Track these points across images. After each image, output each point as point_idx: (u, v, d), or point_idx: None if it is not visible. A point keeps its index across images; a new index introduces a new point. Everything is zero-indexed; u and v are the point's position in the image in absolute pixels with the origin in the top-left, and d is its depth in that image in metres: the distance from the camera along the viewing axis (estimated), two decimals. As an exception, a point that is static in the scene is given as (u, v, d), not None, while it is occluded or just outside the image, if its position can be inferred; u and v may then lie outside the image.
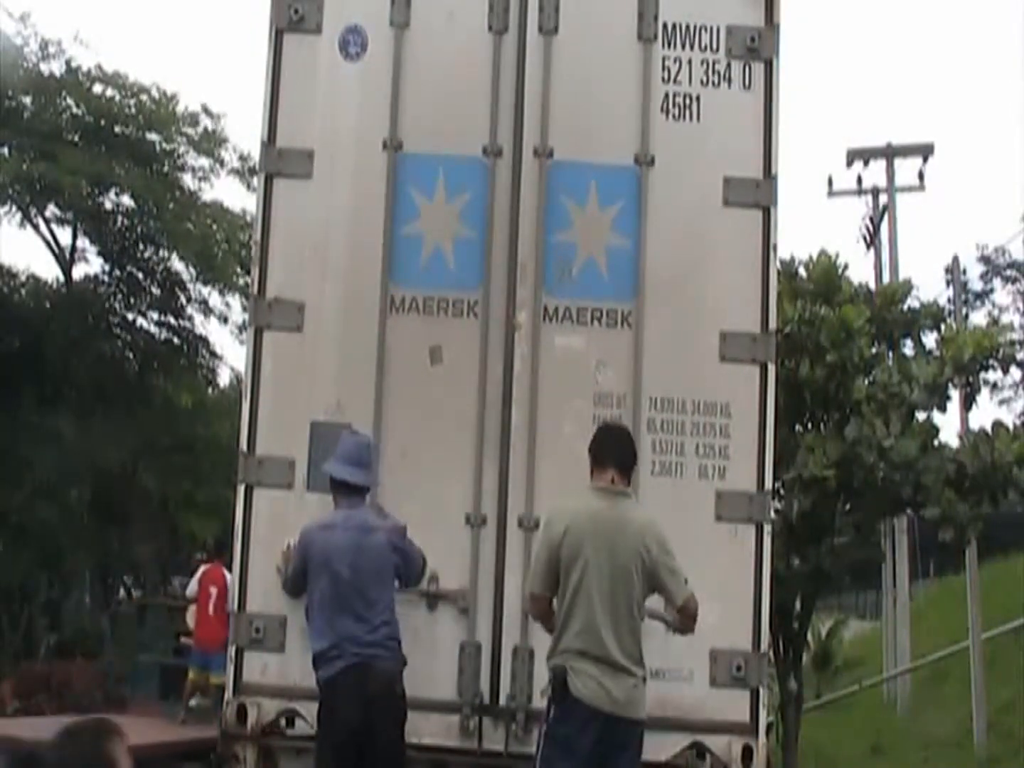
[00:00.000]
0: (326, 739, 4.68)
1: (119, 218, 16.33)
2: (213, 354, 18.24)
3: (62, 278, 16.94)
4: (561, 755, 4.32)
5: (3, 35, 14.64)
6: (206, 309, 17.25)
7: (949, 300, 14.75)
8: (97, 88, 15.05)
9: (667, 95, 5.28)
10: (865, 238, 19.69)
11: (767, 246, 5.20)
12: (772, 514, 5.30)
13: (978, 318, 27.13)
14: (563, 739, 4.33)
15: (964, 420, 11.59)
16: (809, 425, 8.08)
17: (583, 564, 4.35)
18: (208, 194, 16.33)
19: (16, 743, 6.41)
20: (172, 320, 17.53)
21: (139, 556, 19.37)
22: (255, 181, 12.44)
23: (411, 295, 5.22)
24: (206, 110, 15.70)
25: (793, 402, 7.57)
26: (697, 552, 4.87)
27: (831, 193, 19.86)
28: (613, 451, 4.57)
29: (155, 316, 17.63)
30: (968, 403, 9.29)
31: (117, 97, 15.07)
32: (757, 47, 5.29)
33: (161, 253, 16.67)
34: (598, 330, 5.18)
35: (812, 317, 7.64)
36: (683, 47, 5.30)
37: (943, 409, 7.96)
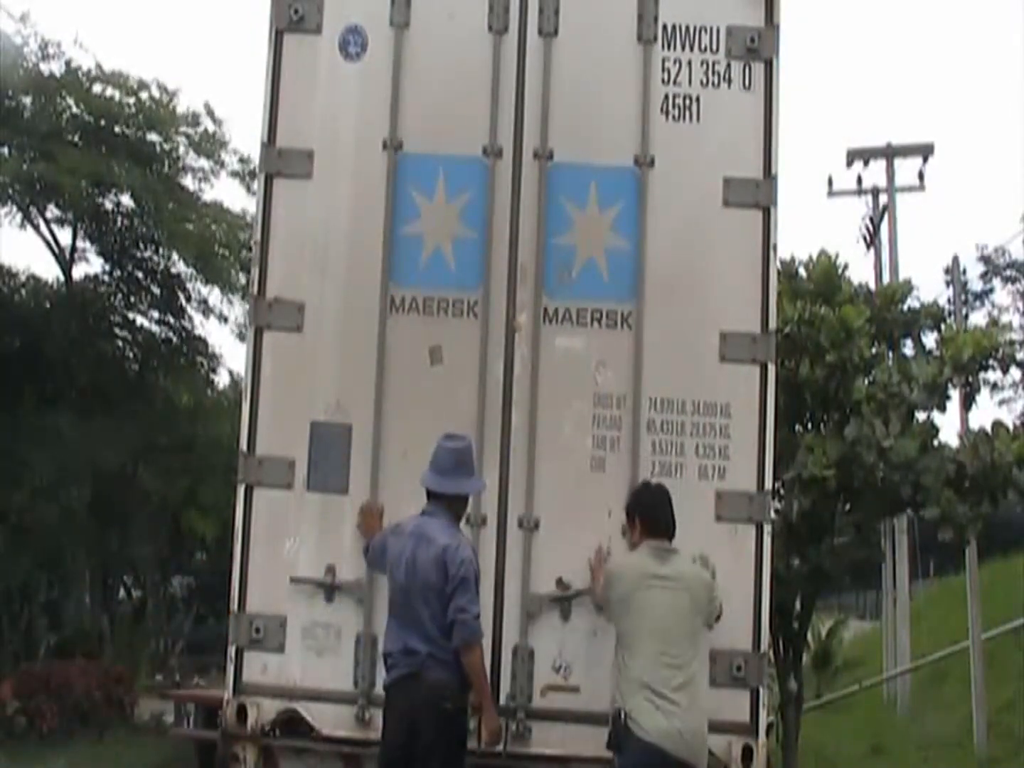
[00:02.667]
0: (381, 747, 4.71)
1: (119, 218, 16.28)
2: (212, 355, 18.23)
3: (62, 278, 16.92)
4: None
5: (3, 35, 14.62)
6: (206, 309, 17.23)
7: (949, 300, 14.74)
8: (97, 88, 15.01)
9: (667, 96, 5.28)
10: (865, 238, 19.71)
11: (767, 246, 5.20)
12: (772, 514, 5.30)
13: (978, 318, 27.19)
14: None
15: (964, 420, 11.59)
16: (809, 425, 8.07)
17: (627, 618, 4.65)
18: (208, 195, 16.33)
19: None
20: (172, 320, 17.52)
21: (139, 556, 19.36)
22: (255, 184, 12.44)
23: (411, 295, 5.22)
24: (208, 110, 15.69)
25: (793, 402, 7.57)
26: (697, 552, 4.90)
27: (831, 193, 19.89)
28: (662, 518, 4.82)
29: (155, 316, 17.61)
30: (968, 403, 9.27)
31: (117, 97, 15.04)
32: (757, 47, 5.29)
33: (161, 253, 16.63)
34: (598, 331, 5.18)
35: (812, 317, 7.63)
36: (683, 48, 5.31)
37: (943, 409, 7.96)
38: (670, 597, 4.67)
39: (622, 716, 4.50)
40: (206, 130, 15.61)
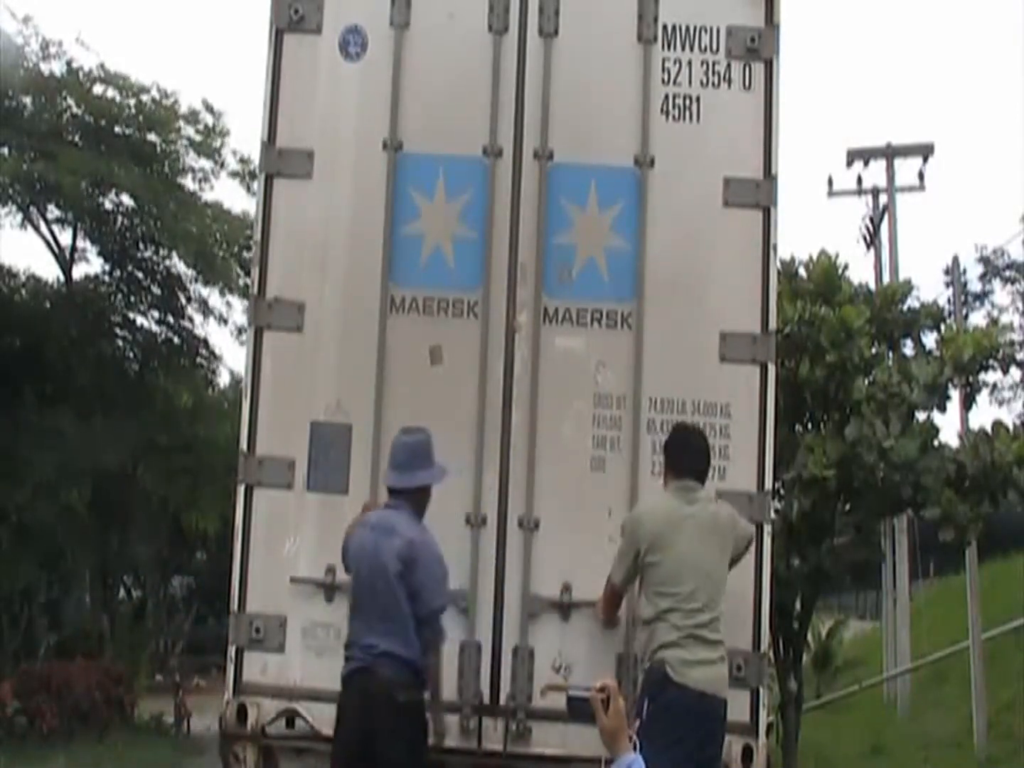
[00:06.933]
0: (335, 738, 4.71)
1: (119, 218, 16.31)
2: (212, 355, 18.25)
3: (62, 278, 16.94)
4: (664, 747, 4.37)
5: (4, 35, 14.63)
6: (206, 309, 17.25)
7: (949, 300, 14.75)
8: (97, 88, 15.04)
9: (667, 96, 5.27)
10: (865, 238, 19.73)
11: (767, 246, 5.19)
12: (772, 514, 5.30)
13: (977, 319, 27.19)
14: (666, 730, 4.43)
15: (964, 420, 11.60)
16: (809, 425, 8.07)
17: (666, 561, 4.66)
18: (208, 195, 16.34)
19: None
20: (172, 320, 17.53)
21: (139, 556, 19.37)
22: (255, 185, 12.44)
23: (411, 295, 5.22)
24: (207, 106, 15.69)
25: (793, 402, 7.57)
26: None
27: (831, 193, 19.90)
28: (690, 461, 4.85)
29: (155, 316, 17.63)
30: (968, 403, 9.28)
31: (117, 97, 15.06)
32: (757, 47, 5.28)
33: (161, 253, 16.66)
34: (598, 331, 5.18)
35: (812, 317, 7.63)
36: (683, 48, 5.30)
37: (943, 409, 7.96)
38: (701, 537, 4.71)
39: (664, 668, 4.53)
40: (206, 125, 15.61)
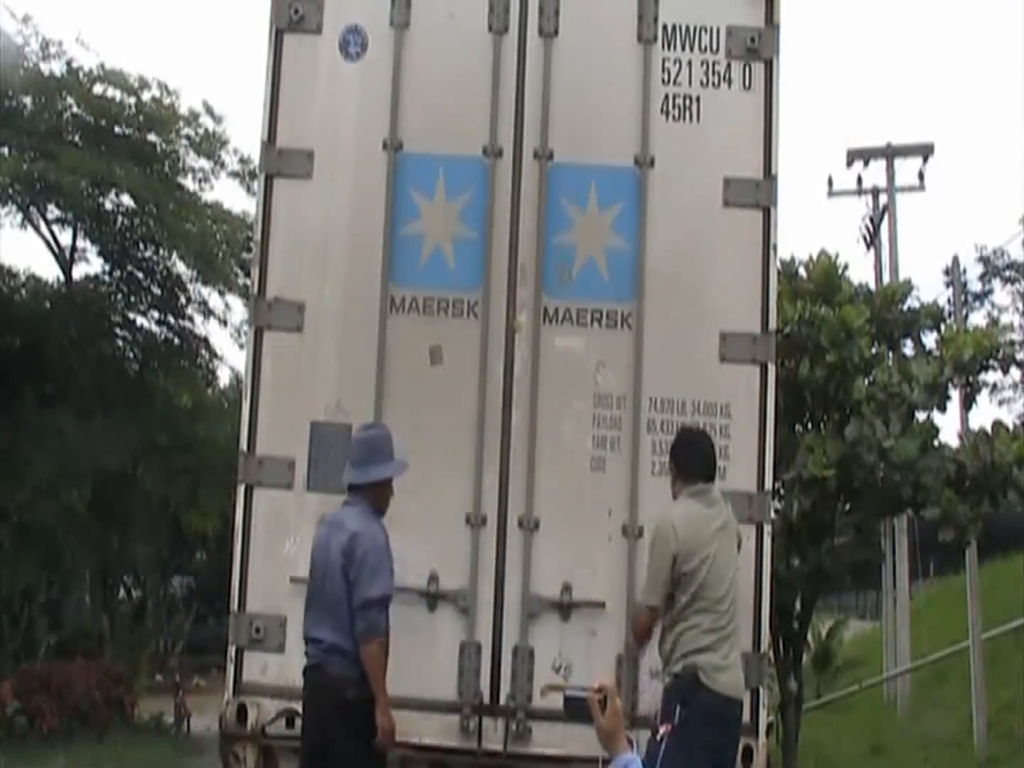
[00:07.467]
0: (301, 735, 4.79)
1: (119, 218, 16.30)
2: (213, 354, 18.24)
3: (62, 278, 16.93)
4: (694, 752, 4.43)
5: (4, 35, 14.63)
6: (206, 310, 17.24)
7: (949, 300, 14.75)
8: (98, 88, 15.03)
9: (667, 96, 5.28)
10: (865, 238, 19.72)
11: (767, 246, 5.20)
12: (772, 514, 5.30)
13: (977, 319, 27.18)
14: (697, 734, 4.47)
15: (964, 420, 11.60)
16: (809, 425, 8.07)
17: (704, 567, 4.63)
18: (208, 195, 16.32)
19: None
20: (172, 320, 17.52)
21: (139, 556, 19.36)
22: (255, 185, 12.43)
23: (411, 295, 5.22)
24: (207, 108, 15.67)
25: (793, 402, 7.57)
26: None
27: (831, 193, 19.90)
28: (702, 464, 4.83)
29: (155, 316, 17.62)
30: (968, 403, 9.28)
31: (118, 97, 15.05)
32: (757, 47, 5.29)
33: (161, 253, 16.64)
34: (598, 331, 5.18)
35: (812, 317, 7.63)
36: (683, 48, 5.30)
37: (943, 409, 7.96)
38: (724, 540, 4.73)
39: (696, 672, 4.55)
40: (206, 129, 15.59)
